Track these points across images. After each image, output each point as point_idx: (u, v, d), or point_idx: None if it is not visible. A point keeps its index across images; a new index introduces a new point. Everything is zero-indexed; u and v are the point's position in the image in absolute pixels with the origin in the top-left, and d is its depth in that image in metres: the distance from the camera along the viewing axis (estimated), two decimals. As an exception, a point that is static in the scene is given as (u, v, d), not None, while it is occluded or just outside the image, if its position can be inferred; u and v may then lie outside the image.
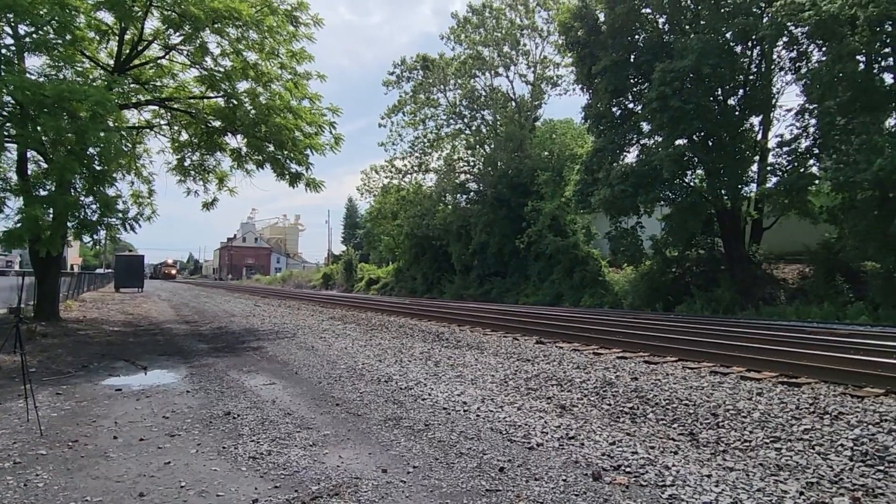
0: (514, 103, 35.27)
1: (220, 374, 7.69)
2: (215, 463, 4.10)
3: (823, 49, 17.35)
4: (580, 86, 24.97)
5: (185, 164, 14.89)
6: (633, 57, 22.08)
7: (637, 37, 22.38)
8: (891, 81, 16.17)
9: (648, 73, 20.49)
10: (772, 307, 17.50)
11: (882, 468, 3.95)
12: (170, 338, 12.16)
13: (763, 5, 18.68)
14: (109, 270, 62.28)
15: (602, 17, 22.59)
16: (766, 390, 6.14)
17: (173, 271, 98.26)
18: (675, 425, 5.11)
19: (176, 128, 14.99)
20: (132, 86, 13.14)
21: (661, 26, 22.35)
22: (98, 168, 11.35)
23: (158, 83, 14.48)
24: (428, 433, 4.87)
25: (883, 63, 16.29)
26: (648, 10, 22.02)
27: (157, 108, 15.01)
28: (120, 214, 11.93)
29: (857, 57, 15.91)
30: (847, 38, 15.51)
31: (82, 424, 5.10)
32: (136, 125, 15.20)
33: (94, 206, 11.62)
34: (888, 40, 15.86)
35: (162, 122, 15.60)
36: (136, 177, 16.02)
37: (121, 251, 51.06)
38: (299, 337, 12.02)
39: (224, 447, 4.46)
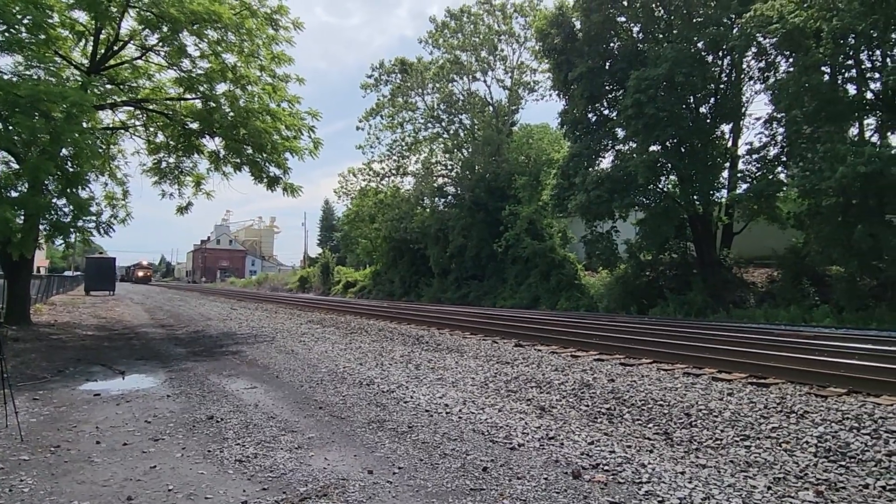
0: (491, 108, 35.57)
1: (200, 379, 7.66)
2: (202, 466, 4.13)
3: (790, 60, 17.94)
4: (557, 92, 25.35)
5: (162, 166, 14.72)
6: (608, 64, 22.51)
7: (612, 45, 22.82)
8: (853, 92, 16.79)
9: (623, 80, 20.91)
10: (742, 310, 17.98)
11: (844, 464, 4.17)
12: (146, 342, 12.01)
13: (733, 16, 19.22)
14: (78, 273, 60.86)
15: (578, 25, 22.98)
16: (736, 391, 6.37)
17: (147, 273, 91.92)
18: (651, 425, 5.29)
19: (152, 129, 14.82)
20: (107, 86, 12.96)
21: (635, 35, 22.82)
22: (71, 169, 11.18)
23: (134, 84, 14.31)
24: (412, 435, 4.96)
25: (846, 74, 16.92)
26: (623, 19, 22.48)
27: (132, 108, 14.81)
28: (94, 217, 11.77)
29: (822, 68, 16.49)
30: (812, 49, 16.07)
31: (63, 430, 5.07)
32: (111, 126, 14.98)
33: (67, 209, 11.43)
34: (851, 52, 16.48)
35: (137, 122, 15.41)
36: (110, 178, 15.80)
37: (90, 253, 49.87)
38: (278, 340, 11.98)
39: (209, 451, 4.48)
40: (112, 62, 13.45)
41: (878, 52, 16.40)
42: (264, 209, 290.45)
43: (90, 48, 13.32)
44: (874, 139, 16.84)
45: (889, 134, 16.57)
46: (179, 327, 15.36)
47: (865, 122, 17.69)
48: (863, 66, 16.63)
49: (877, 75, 16.30)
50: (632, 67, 20.43)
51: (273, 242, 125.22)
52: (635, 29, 22.82)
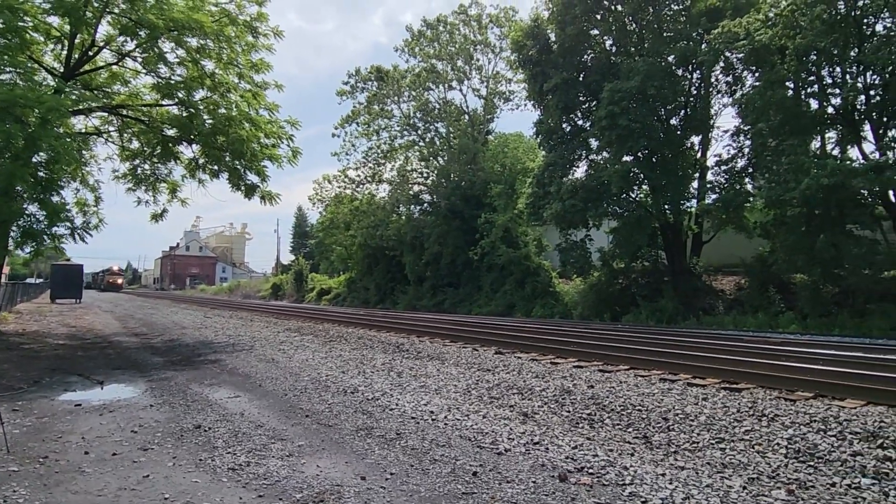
0: (467, 117, 35.90)
1: (182, 388, 7.62)
2: (195, 475, 4.17)
3: (756, 75, 18.63)
4: (532, 102, 25.80)
5: (137, 172, 14.54)
6: (582, 76, 22.99)
7: (586, 57, 23.33)
8: (815, 107, 17.51)
9: (597, 91, 21.40)
10: (711, 317, 18.49)
11: (812, 464, 4.42)
12: (121, 351, 11.83)
13: (702, 32, 19.85)
14: (41, 280, 59.04)
15: (553, 37, 23.46)
16: (710, 395, 6.62)
17: (119, 280, 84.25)
18: (631, 429, 5.49)
19: (127, 135, 14.63)
20: (82, 92, 12.78)
21: (608, 48, 23.38)
22: (44, 175, 11.00)
23: (109, 89, 14.12)
24: (400, 441, 5.07)
25: (808, 90, 17.63)
26: (597, 32, 23.02)
27: (105, 114, 14.61)
28: (69, 223, 11.57)
29: (787, 83, 17.17)
30: (777, 66, 16.73)
31: (48, 440, 5.03)
32: (84, 131, 14.74)
33: (39, 215, 11.22)
34: (813, 69, 17.20)
35: (111, 128, 15.19)
36: (82, 184, 15.52)
37: (57, 260, 48.47)
38: (257, 349, 11.93)
39: (201, 459, 4.52)
40: (87, 67, 13.27)
41: (837, 69, 17.14)
42: (235, 215, 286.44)
43: (64, 52, 13.12)
44: (835, 152, 17.58)
45: (848, 147, 17.31)
46: (154, 336, 15.13)
47: (827, 135, 18.44)
48: (824, 82, 17.35)
49: (837, 91, 17.02)
50: (605, 80, 20.93)
51: (244, 249, 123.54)
52: (608, 42, 23.38)
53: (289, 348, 11.98)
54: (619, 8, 21.66)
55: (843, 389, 6.40)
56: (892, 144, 16.15)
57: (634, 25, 22.18)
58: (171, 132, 13.54)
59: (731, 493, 3.85)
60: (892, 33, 14.90)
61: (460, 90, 35.90)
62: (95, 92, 13.48)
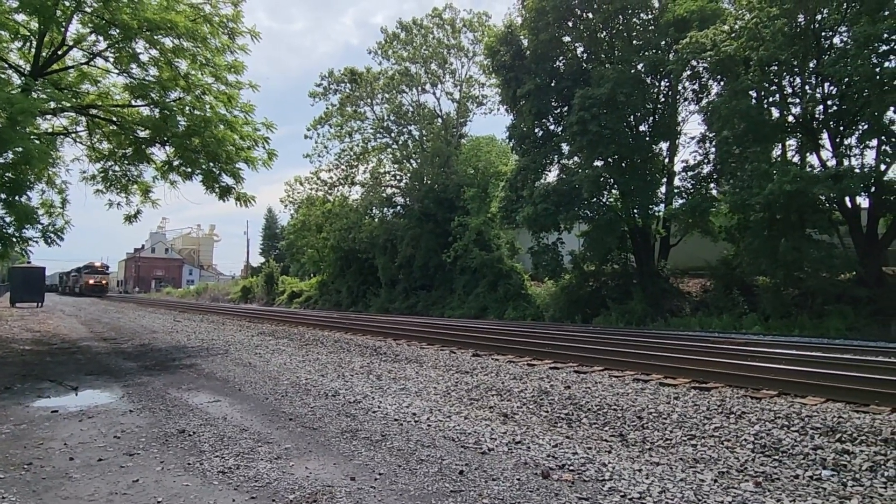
0: (440, 120, 36.08)
1: (160, 393, 7.58)
2: (185, 478, 4.21)
3: (722, 84, 19.28)
4: (505, 107, 26.11)
5: (108, 174, 14.26)
6: (554, 82, 23.38)
7: (559, 63, 23.75)
8: (777, 116, 18.21)
9: (569, 98, 21.83)
10: (678, 318, 19.03)
11: (777, 457, 4.69)
12: (91, 356, 11.61)
13: (670, 41, 20.45)
14: None
15: (526, 43, 23.81)
16: (681, 394, 6.91)
17: (104, 280, 66.66)
18: (607, 428, 5.71)
19: (97, 136, 14.34)
20: (53, 91, 12.51)
21: (580, 55, 23.85)
22: (11, 177, 10.73)
23: (78, 89, 13.83)
24: (386, 443, 5.18)
25: (771, 99, 18.33)
26: (569, 39, 23.46)
27: (74, 114, 14.30)
28: (41, 226, 11.31)
29: (750, 93, 17.82)
30: (742, 75, 17.36)
31: (30, 447, 4.99)
32: (51, 131, 14.41)
33: (8, 218, 10.95)
34: (775, 79, 17.90)
35: (80, 128, 14.87)
36: (48, 185, 15.14)
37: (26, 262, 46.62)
38: (232, 353, 11.85)
39: (189, 463, 4.55)
40: (56, 66, 12.99)
41: (798, 80, 17.88)
42: (203, 216, 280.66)
43: (33, 51, 12.81)
44: (795, 159, 18.32)
45: (807, 155, 18.06)
46: (123, 341, 14.86)
47: (787, 143, 19.20)
48: (785, 92, 18.08)
49: (797, 101, 17.76)
50: (577, 86, 21.37)
51: (212, 251, 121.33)
52: (580, 49, 23.86)
53: (265, 352, 11.93)
54: (591, 16, 22.13)
55: (804, 388, 6.75)
56: (848, 153, 16.93)
57: (605, 34, 22.70)
58: (143, 133, 13.33)
59: (703, 486, 4.08)
60: (848, 47, 15.61)
61: (434, 93, 36.17)
62: (65, 91, 13.20)
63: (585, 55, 23.69)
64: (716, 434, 5.31)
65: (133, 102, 13.61)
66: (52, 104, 11.93)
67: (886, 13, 14.71)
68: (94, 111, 13.70)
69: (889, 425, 5.20)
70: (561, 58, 23.72)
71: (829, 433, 5.18)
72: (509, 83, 24.19)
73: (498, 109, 37.38)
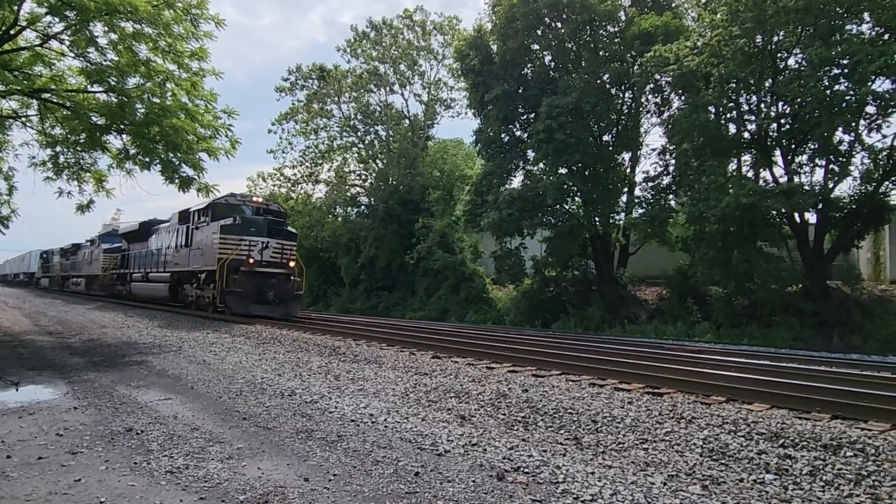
0: (407, 121, 36.00)
1: (108, 390, 7.31)
2: (130, 478, 4.07)
3: (683, 98, 19.86)
4: (473, 111, 26.30)
5: (59, 160, 13.70)
6: (522, 89, 23.67)
7: (527, 70, 24.06)
8: (734, 131, 18.86)
9: (536, 105, 22.11)
10: (635, 325, 19.47)
11: (724, 461, 4.83)
12: (34, 350, 11.13)
13: (635, 55, 20.95)
14: None
15: (495, 49, 24.01)
16: (635, 399, 7.04)
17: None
18: (562, 431, 5.78)
19: (49, 121, 13.76)
20: (6, 74, 11.94)
21: (548, 63, 24.20)
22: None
23: (31, 71, 13.24)
24: (341, 444, 5.12)
25: (728, 115, 18.99)
26: (537, 47, 23.78)
27: (25, 97, 13.68)
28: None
29: (710, 108, 18.42)
30: (702, 91, 17.92)
31: (-37, 444, 4.74)
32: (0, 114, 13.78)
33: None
34: (733, 96, 18.54)
35: (30, 112, 14.23)
36: (-8, 171, 14.48)
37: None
38: (186, 350, 11.52)
39: (136, 462, 4.40)
40: (7, 46, 12.40)
41: (754, 98, 18.56)
42: (160, 208, 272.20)
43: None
44: (749, 174, 19.00)
45: (761, 170, 18.76)
46: (70, 335, 14.29)
47: (743, 158, 19.91)
48: (742, 109, 18.75)
49: (753, 118, 18.43)
50: (544, 94, 21.67)
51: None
52: (548, 58, 24.21)
53: (220, 350, 11.65)
54: (559, 26, 22.49)
55: (751, 394, 6.98)
56: (799, 170, 17.65)
57: (573, 44, 23.10)
58: (99, 120, 12.84)
59: (652, 488, 4.17)
60: (803, 68, 16.29)
61: (402, 94, 36.02)
62: (16, 74, 12.62)
63: (553, 64, 24.05)
64: (667, 438, 5.43)
65: (89, 87, 13.12)
66: (2, 86, 11.42)
67: (838, 38, 15.41)
68: (46, 95, 13.14)
69: (828, 431, 5.42)
70: (529, 65, 24.02)
71: (773, 438, 5.36)
72: (477, 87, 24.36)
73: (466, 113, 37.45)
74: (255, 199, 20.77)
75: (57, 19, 11.65)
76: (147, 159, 13.09)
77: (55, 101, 13.15)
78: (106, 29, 12.07)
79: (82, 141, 13.45)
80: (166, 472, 4.19)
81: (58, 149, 13.70)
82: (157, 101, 12.46)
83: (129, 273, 27.26)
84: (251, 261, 17.58)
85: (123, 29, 11.88)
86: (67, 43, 12.48)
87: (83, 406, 6.34)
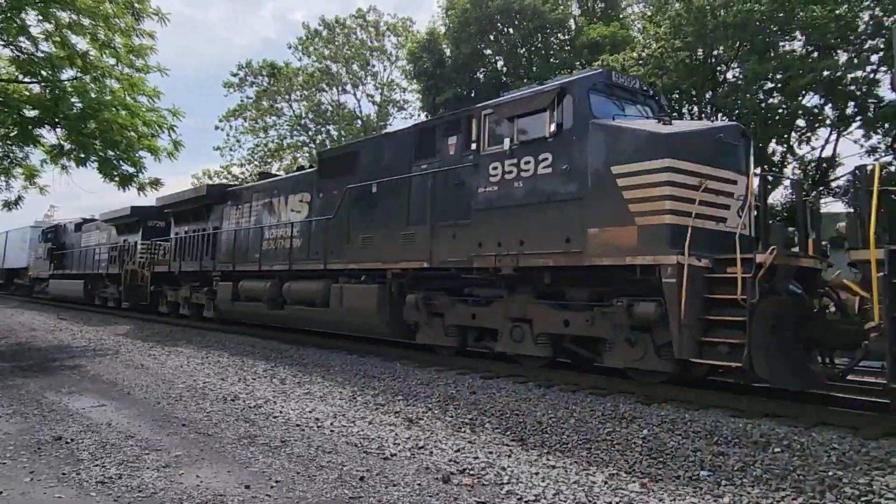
0: (360, 122, 35.73)
1: (36, 397, 6.93)
2: (57, 490, 3.87)
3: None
4: (425, 113, 26.30)
5: (-14, 154, 12.92)
6: (474, 93, 23.83)
7: (479, 74, 24.28)
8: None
9: (488, 109, 22.30)
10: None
11: (662, 460, 4.98)
12: (-45, 355, 10.45)
13: (584, 62, 21.45)
14: None
15: (448, 52, 24.15)
16: (580, 401, 7.19)
17: None
18: (509, 433, 5.85)
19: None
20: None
21: (500, 68, 24.51)
22: None
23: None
24: (285, 449, 5.02)
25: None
26: (490, 52, 24.05)
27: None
28: None
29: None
30: (647, 101, 18.50)
31: None
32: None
33: None
34: (676, 107, 19.25)
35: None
36: None
37: None
38: (123, 354, 11.05)
39: (64, 473, 4.19)
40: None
41: (696, 109, 19.33)
42: (96, 206, 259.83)
43: None
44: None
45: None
46: (-4, 338, 13.49)
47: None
48: (684, 119, 19.48)
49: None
50: (495, 98, 21.89)
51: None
52: (500, 63, 24.54)
53: (160, 353, 11.22)
54: (511, 31, 22.81)
55: (689, 395, 7.25)
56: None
57: (524, 50, 23.48)
58: (31, 113, 12.16)
59: (594, 487, 4.28)
60: (740, 82, 17.08)
61: (354, 94, 35.76)
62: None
63: (505, 69, 24.37)
64: (609, 438, 5.58)
65: (20, 78, 12.42)
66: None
67: (772, 54, 16.24)
68: (-29, 84, 12.37)
69: (758, 429, 5.69)
70: (482, 69, 24.26)
71: (707, 436, 5.58)
72: (430, 90, 24.42)
73: (418, 115, 37.46)
74: None
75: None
76: (83, 155, 12.48)
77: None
78: (40, 18, 11.47)
79: (13, 135, 12.71)
80: (97, 483, 4.01)
81: (-15, 142, 12.90)
82: (95, 95, 11.91)
83: None
84: None
85: (59, 18, 11.32)
86: (-4, 31, 11.78)
87: (7, 414, 5.99)
